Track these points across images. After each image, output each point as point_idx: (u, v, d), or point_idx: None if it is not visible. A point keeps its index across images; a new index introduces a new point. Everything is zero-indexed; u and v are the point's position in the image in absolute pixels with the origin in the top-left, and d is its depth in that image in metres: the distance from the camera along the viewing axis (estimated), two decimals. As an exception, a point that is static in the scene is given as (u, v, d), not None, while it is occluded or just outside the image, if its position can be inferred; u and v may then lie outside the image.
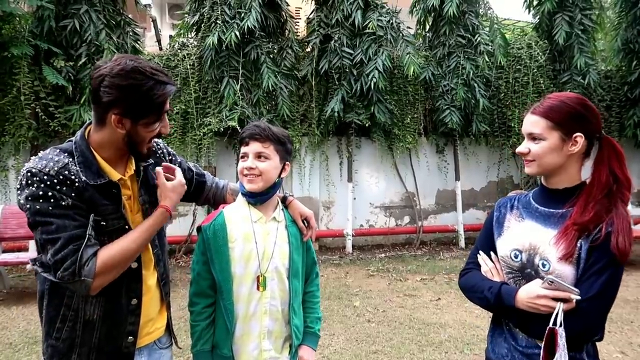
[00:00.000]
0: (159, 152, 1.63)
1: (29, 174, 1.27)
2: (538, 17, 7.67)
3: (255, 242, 1.64)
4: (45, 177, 1.27)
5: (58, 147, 1.37)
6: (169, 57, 6.51)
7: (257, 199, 1.66)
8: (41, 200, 1.26)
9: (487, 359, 1.58)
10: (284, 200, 1.78)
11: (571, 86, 7.27)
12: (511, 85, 7.34)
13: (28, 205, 1.27)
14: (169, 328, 1.64)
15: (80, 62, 5.67)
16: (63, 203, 1.27)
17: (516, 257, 1.46)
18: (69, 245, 1.26)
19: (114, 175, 1.40)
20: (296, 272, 1.71)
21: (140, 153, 1.42)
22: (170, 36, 7.81)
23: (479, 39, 6.95)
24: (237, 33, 5.90)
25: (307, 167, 7.15)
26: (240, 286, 1.63)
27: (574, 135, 1.39)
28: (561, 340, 1.27)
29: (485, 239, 1.61)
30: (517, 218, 1.52)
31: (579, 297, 1.29)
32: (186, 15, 6.59)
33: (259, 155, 1.61)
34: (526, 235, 1.46)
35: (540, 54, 7.31)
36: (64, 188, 1.28)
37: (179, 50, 6.60)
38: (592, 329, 1.34)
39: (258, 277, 1.63)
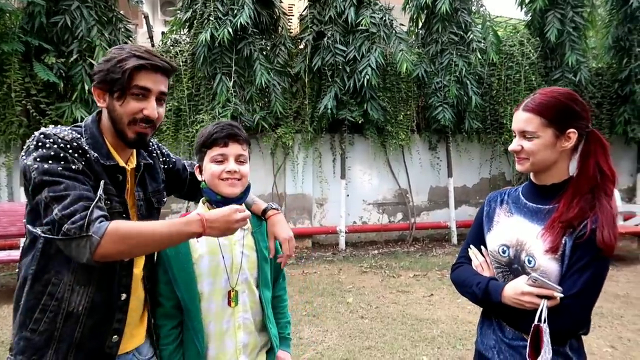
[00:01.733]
0: (154, 152, 1.59)
1: (41, 135, 1.23)
2: (530, 14, 7.73)
3: (222, 255, 1.54)
4: (59, 140, 1.23)
5: (69, 127, 1.34)
6: (161, 54, 6.47)
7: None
8: (51, 161, 1.19)
9: (476, 350, 1.60)
10: (264, 212, 1.66)
11: (563, 83, 7.32)
12: (503, 83, 7.38)
13: (36, 166, 1.18)
14: (150, 338, 1.52)
15: (72, 59, 5.62)
16: (74, 167, 1.22)
17: (504, 252, 1.47)
18: (79, 202, 1.18)
19: (121, 161, 1.38)
20: (265, 280, 1.63)
21: (124, 135, 1.34)
22: (163, 33, 7.76)
23: (471, 36, 6.98)
24: (230, 30, 5.88)
25: (301, 164, 7.15)
26: (210, 303, 1.53)
27: (568, 132, 1.37)
28: (545, 337, 1.27)
29: (475, 233, 1.61)
30: (506, 213, 1.52)
31: (562, 295, 1.30)
32: (178, 11, 6.57)
33: (238, 158, 1.53)
34: (514, 230, 1.46)
35: (532, 51, 7.35)
36: (76, 154, 1.25)
37: (171, 47, 6.58)
38: (576, 325, 1.34)
39: (229, 292, 1.54)
